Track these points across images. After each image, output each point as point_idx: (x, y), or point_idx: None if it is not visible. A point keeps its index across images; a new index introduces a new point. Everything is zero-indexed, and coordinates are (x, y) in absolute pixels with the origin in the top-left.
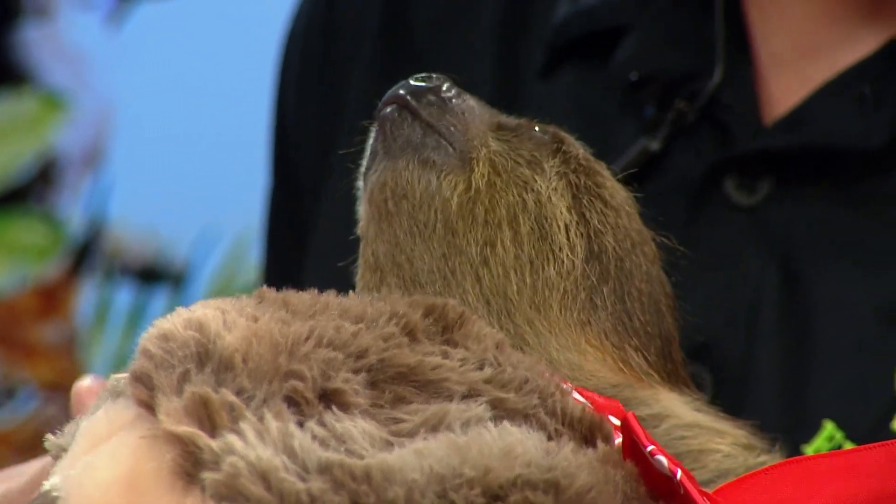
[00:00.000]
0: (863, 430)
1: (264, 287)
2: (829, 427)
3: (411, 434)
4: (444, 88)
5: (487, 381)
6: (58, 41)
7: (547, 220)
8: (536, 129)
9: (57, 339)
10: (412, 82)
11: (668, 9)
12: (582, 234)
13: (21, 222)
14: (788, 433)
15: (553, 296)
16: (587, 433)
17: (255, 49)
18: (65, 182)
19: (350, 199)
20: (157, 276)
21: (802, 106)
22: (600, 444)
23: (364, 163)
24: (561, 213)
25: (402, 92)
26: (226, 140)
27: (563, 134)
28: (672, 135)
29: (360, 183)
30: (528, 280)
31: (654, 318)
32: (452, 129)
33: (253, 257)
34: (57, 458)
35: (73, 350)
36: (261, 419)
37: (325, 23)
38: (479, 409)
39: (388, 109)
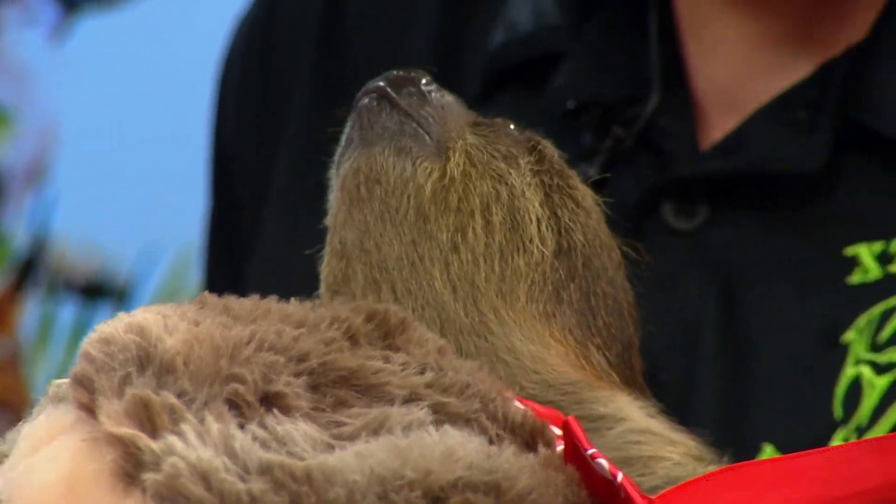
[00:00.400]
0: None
1: (206, 293)
2: (768, 450)
3: (352, 437)
4: (424, 82)
5: (429, 386)
6: (1, 56)
7: (519, 213)
8: (512, 127)
9: (0, 355)
10: (392, 73)
11: (604, 35)
12: (553, 229)
13: None
14: (729, 457)
15: (521, 286)
16: (528, 438)
17: (198, 64)
18: (8, 197)
19: (292, 215)
20: (101, 292)
21: (738, 131)
22: (541, 449)
23: (338, 152)
24: (534, 206)
25: (381, 83)
26: (169, 155)
27: (539, 136)
28: (610, 161)
29: (333, 171)
30: (496, 268)
31: (617, 322)
32: (430, 119)
33: (196, 272)
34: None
35: (17, 365)
36: (201, 421)
37: (263, 40)
38: (420, 412)
39: (367, 99)
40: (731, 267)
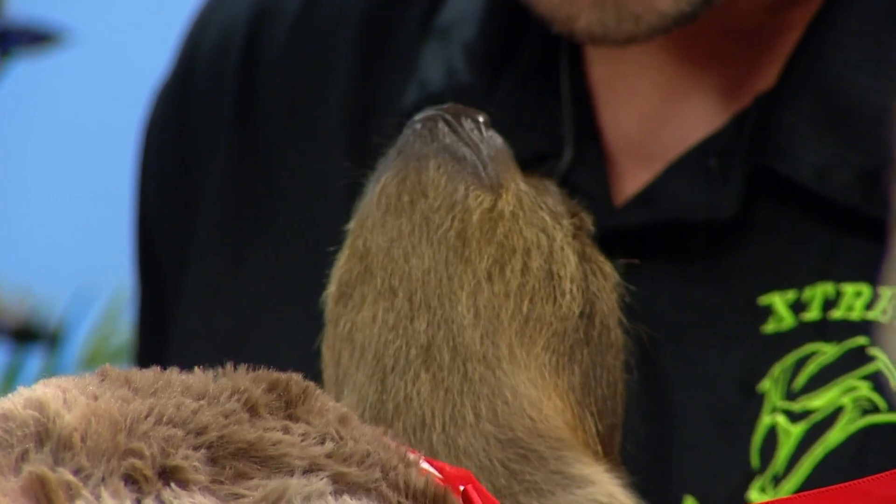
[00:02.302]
0: (720, 503)
1: (107, 365)
2: (689, 502)
3: None
4: (483, 120)
5: (329, 456)
6: None
7: (556, 266)
8: (556, 189)
9: None
10: (453, 105)
11: (517, 91)
12: (582, 291)
13: None
14: None
15: (542, 333)
16: None
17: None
18: None
19: (210, 284)
20: (33, 335)
21: (652, 184)
22: None
23: (382, 161)
24: (570, 264)
25: (445, 108)
26: (101, 199)
27: (577, 203)
28: None
29: (372, 180)
30: (524, 309)
31: (612, 398)
32: (487, 155)
33: (128, 316)
34: None
35: None
36: (98, 497)
37: (179, 112)
38: (320, 483)
39: (439, 110)
40: (650, 321)
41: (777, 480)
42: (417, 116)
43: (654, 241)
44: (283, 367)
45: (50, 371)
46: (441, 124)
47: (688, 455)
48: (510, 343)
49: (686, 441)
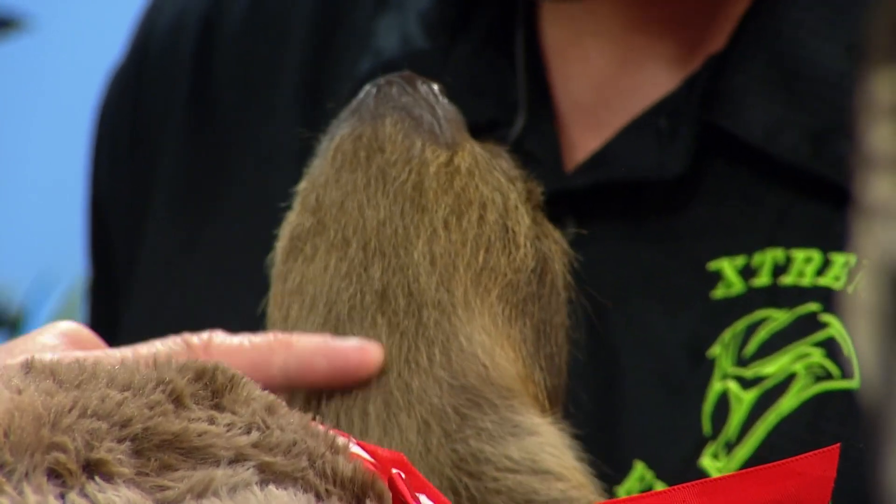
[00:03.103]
0: (671, 469)
1: (34, 355)
2: (639, 467)
3: (177, 501)
4: (437, 87)
5: (255, 446)
6: None
7: (511, 222)
8: (506, 151)
9: None
10: (409, 72)
11: (471, 58)
12: (536, 249)
13: None
14: (600, 475)
15: (497, 282)
16: (359, 492)
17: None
18: None
19: (163, 266)
20: None
21: (603, 147)
22: (369, 503)
23: (338, 119)
24: (524, 222)
25: (407, 73)
26: (62, 186)
27: (528, 171)
28: None
29: (326, 137)
30: (480, 258)
31: (559, 356)
32: (444, 116)
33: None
34: None
35: None
36: (21, 493)
37: (133, 98)
38: (246, 473)
39: (393, 76)
40: (598, 285)
41: (730, 447)
42: (372, 82)
43: (604, 202)
44: None
45: None
46: (396, 87)
47: (637, 421)
48: (465, 291)
49: (635, 406)
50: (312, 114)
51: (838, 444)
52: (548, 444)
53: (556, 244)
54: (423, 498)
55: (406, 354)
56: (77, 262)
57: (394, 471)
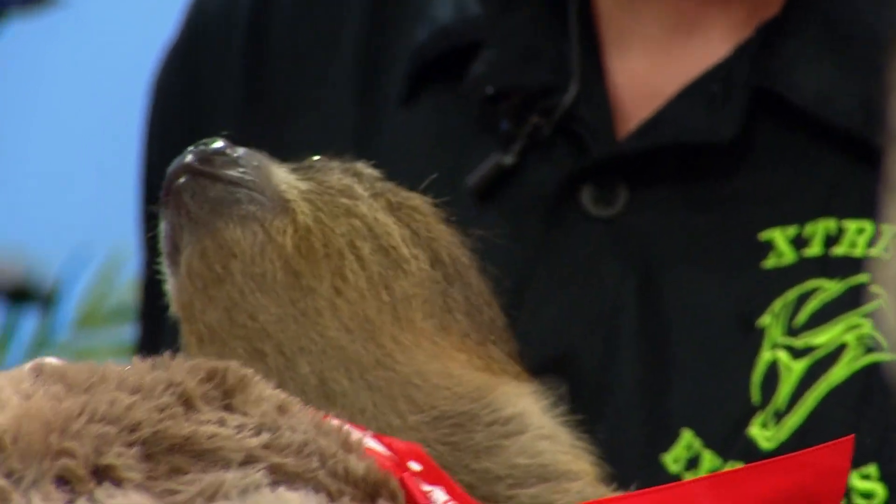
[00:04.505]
0: (720, 438)
1: (44, 358)
2: (687, 435)
3: None
4: (227, 146)
5: (265, 447)
6: None
7: (383, 239)
8: (320, 159)
9: None
10: (195, 149)
11: (524, 24)
12: (417, 244)
13: None
14: (648, 442)
15: (413, 306)
16: (371, 490)
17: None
18: None
19: None
20: (28, 296)
21: (656, 114)
22: (382, 502)
23: (164, 246)
24: (392, 228)
25: (189, 159)
26: (97, 158)
27: (354, 161)
28: (527, 149)
29: (167, 266)
30: (385, 298)
31: (496, 314)
32: (255, 180)
33: (124, 277)
34: None
35: None
36: (28, 502)
37: (186, 75)
38: (256, 475)
39: (182, 179)
40: (649, 253)
41: (779, 416)
42: (168, 176)
43: (657, 169)
44: None
45: (45, 331)
46: (198, 179)
47: (685, 388)
48: (392, 335)
49: (683, 374)
50: (368, 84)
51: (852, 436)
52: (544, 437)
53: (426, 214)
54: (438, 492)
55: (377, 424)
56: (112, 237)
57: (410, 463)
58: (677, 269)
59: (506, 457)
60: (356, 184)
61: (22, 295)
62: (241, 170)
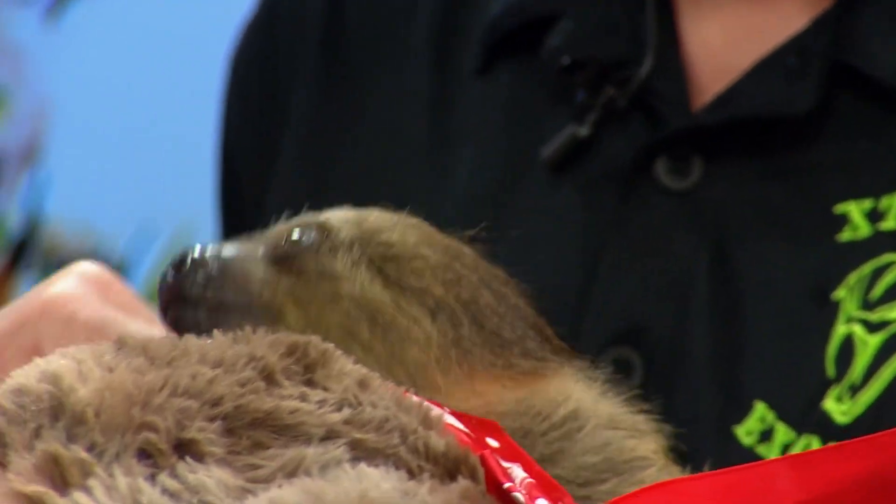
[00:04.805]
0: (794, 411)
1: (126, 332)
2: (760, 408)
3: (268, 480)
4: (202, 256)
5: (346, 423)
6: None
7: (378, 315)
8: (298, 231)
9: None
10: (172, 272)
11: None
12: (413, 301)
13: None
14: (721, 415)
15: (430, 371)
16: (451, 467)
17: (192, 44)
18: (2, 178)
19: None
20: None
21: (732, 86)
22: (461, 480)
23: None
24: (383, 296)
25: (170, 281)
26: (163, 135)
27: (326, 218)
28: (601, 121)
29: None
30: (400, 373)
31: (516, 318)
32: (238, 291)
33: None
34: None
35: None
36: (111, 475)
37: (264, 48)
38: (337, 451)
39: (169, 313)
40: (724, 224)
41: (854, 390)
42: (161, 306)
43: (732, 141)
44: None
45: None
46: (185, 310)
47: (759, 361)
48: (418, 407)
49: (757, 346)
50: (444, 58)
51: None
52: (605, 427)
53: (409, 261)
54: (516, 469)
55: None
56: (178, 213)
57: (488, 440)
58: (751, 242)
59: (571, 459)
60: (334, 256)
61: None
62: (222, 281)
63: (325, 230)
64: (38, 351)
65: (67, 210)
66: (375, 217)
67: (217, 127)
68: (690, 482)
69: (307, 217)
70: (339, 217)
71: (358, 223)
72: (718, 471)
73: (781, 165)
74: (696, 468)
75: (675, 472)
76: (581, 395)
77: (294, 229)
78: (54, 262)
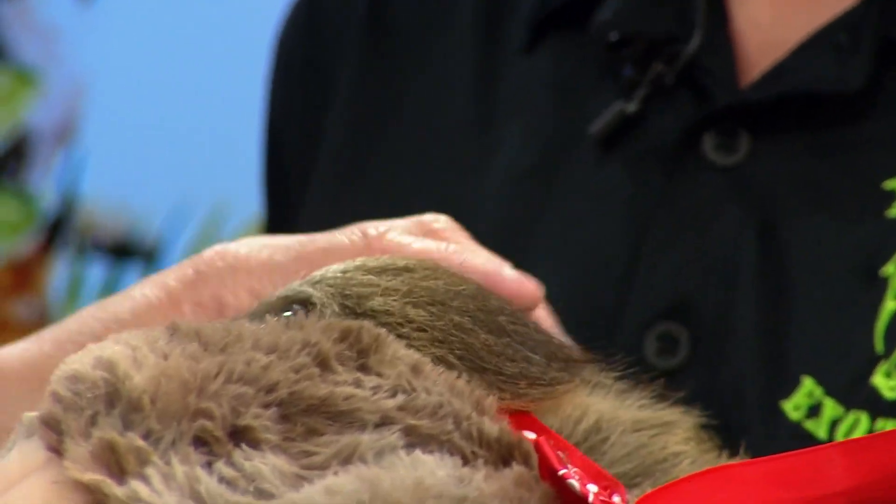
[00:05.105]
0: (842, 386)
1: (177, 318)
2: (807, 383)
3: (323, 467)
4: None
5: (400, 409)
6: (30, 16)
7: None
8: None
9: (29, 314)
10: None
11: None
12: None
13: None
14: (768, 389)
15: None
16: (505, 453)
17: (228, 22)
18: (37, 158)
19: (336, 186)
20: (130, 252)
21: (780, 64)
22: (515, 466)
23: None
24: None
25: None
26: (199, 114)
27: (310, 293)
28: (649, 98)
29: None
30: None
31: (516, 348)
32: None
33: (225, 233)
34: None
35: (45, 325)
36: (168, 463)
37: (309, 25)
38: (392, 437)
39: None
40: (772, 200)
41: None
42: None
43: (780, 117)
44: None
45: None
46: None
47: (806, 336)
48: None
49: (804, 322)
50: (491, 35)
51: None
52: (629, 432)
53: (385, 326)
54: (566, 457)
55: None
56: (214, 192)
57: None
58: (799, 217)
59: (613, 451)
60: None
61: (124, 250)
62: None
63: (308, 306)
64: (220, 306)
65: (103, 189)
66: (359, 280)
67: (262, 104)
68: (740, 468)
69: (292, 288)
70: (325, 286)
71: (342, 290)
72: (769, 457)
73: (829, 141)
74: (739, 445)
75: (709, 458)
76: (599, 406)
77: (279, 308)
78: (89, 242)
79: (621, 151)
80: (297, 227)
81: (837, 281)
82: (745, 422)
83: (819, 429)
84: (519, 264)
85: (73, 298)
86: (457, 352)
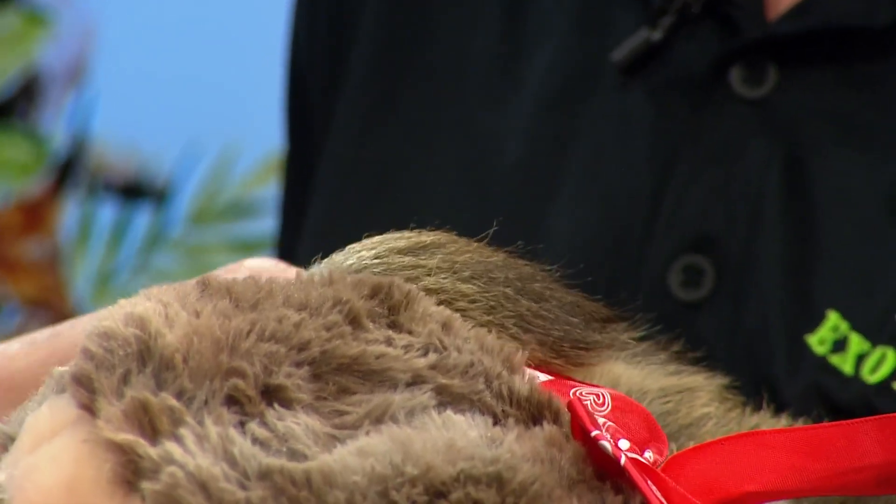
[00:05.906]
0: (868, 321)
1: (210, 274)
2: (833, 317)
3: (355, 426)
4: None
5: (432, 368)
6: None
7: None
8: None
9: (40, 255)
10: None
11: None
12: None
13: (4, 139)
14: (793, 323)
15: None
16: (535, 412)
17: None
18: (48, 98)
19: (363, 126)
20: (141, 192)
21: None
22: (546, 425)
23: None
24: None
25: None
26: (209, 55)
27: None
28: (675, 26)
29: None
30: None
31: (557, 312)
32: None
33: (237, 173)
34: (3, 447)
35: (56, 266)
36: (201, 423)
37: None
38: (423, 396)
39: None
40: (798, 134)
41: None
42: None
43: (807, 51)
44: (430, 203)
45: (157, 227)
46: None
47: (832, 270)
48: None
49: (830, 256)
50: None
51: None
52: (655, 402)
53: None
54: (599, 412)
55: None
56: (224, 133)
57: (574, 392)
58: (826, 151)
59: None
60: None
61: (135, 191)
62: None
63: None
64: None
65: (113, 130)
66: (398, 263)
67: (272, 44)
68: (772, 435)
69: None
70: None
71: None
72: (802, 427)
73: (858, 76)
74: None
75: (733, 416)
76: (629, 375)
77: None
78: (100, 182)
79: (645, 80)
80: (319, 164)
81: (864, 215)
82: (769, 355)
83: (845, 363)
84: (545, 200)
85: (84, 239)
86: (509, 320)
